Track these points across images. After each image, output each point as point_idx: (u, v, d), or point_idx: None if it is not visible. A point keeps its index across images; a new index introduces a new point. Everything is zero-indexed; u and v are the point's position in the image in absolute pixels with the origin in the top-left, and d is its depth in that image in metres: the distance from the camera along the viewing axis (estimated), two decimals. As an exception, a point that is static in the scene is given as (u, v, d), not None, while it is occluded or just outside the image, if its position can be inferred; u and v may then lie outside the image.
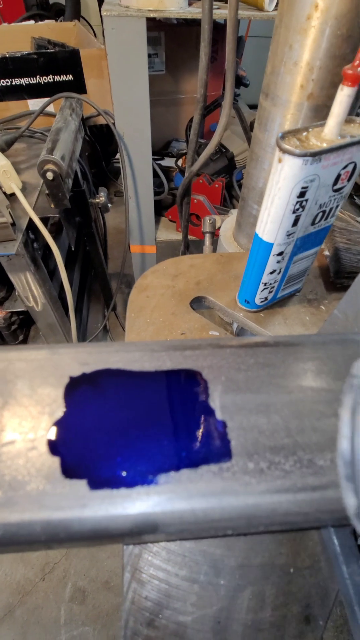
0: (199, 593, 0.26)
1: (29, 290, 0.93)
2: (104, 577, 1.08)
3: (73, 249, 1.10)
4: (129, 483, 0.16)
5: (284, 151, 0.30)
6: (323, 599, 0.28)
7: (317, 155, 0.29)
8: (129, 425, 0.18)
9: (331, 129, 0.31)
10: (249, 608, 0.26)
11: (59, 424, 0.18)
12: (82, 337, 1.34)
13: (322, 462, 0.17)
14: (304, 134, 0.32)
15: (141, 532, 0.16)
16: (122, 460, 0.17)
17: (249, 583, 0.27)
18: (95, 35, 1.64)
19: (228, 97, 0.51)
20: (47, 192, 0.79)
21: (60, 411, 0.18)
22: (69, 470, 0.16)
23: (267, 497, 0.16)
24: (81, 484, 0.16)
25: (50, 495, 0.16)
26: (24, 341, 1.11)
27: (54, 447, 0.17)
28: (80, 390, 0.19)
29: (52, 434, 0.17)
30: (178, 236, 1.43)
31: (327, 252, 0.49)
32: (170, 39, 1.38)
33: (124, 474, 0.16)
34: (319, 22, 0.39)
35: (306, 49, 0.42)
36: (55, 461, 0.17)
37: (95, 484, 0.16)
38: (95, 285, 1.62)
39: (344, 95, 0.29)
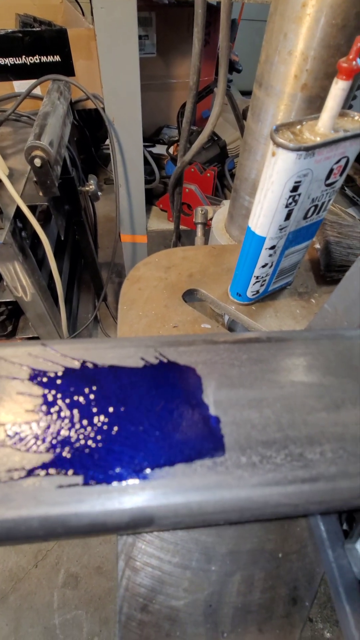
0: (190, 579, 0.27)
1: (18, 280, 0.91)
2: (96, 562, 1.11)
3: (63, 239, 1.08)
4: (125, 478, 0.16)
5: (278, 145, 0.29)
6: (309, 581, 0.29)
7: (311, 149, 0.29)
8: (123, 421, 0.18)
9: (325, 123, 0.30)
10: (239, 592, 0.27)
11: (55, 420, 0.18)
12: (73, 327, 1.33)
13: (311, 455, 0.18)
14: (298, 127, 0.32)
15: (137, 525, 0.16)
16: (117, 455, 0.17)
17: (238, 568, 0.28)
18: (82, 13, 1.58)
19: (221, 85, 0.50)
20: (35, 179, 0.77)
21: (57, 408, 0.18)
22: (65, 466, 0.16)
23: (259, 490, 0.17)
24: (77, 479, 0.16)
25: (47, 491, 0.16)
26: (13, 332, 1.10)
27: (49, 443, 0.17)
28: (75, 386, 0.19)
29: (47, 430, 0.18)
30: (169, 226, 1.42)
31: (317, 245, 0.49)
32: (162, 20, 1.34)
33: (119, 469, 0.17)
34: (314, 11, 0.39)
35: (301, 38, 0.41)
36: (51, 457, 0.17)
37: (91, 479, 0.16)
38: (84, 275, 1.60)
39: (338, 89, 0.29)
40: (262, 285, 0.43)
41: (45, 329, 1.09)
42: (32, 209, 0.81)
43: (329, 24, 0.39)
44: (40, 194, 0.80)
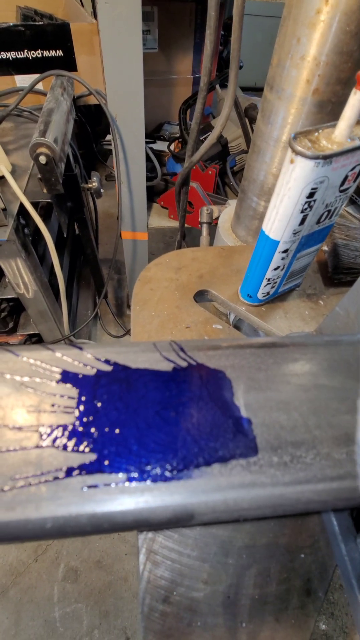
0: (209, 571, 0.28)
1: (20, 277, 0.91)
2: (95, 557, 1.12)
3: (65, 235, 1.07)
4: (166, 477, 0.17)
5: (297, 153, 0.30)
6: (322, 573, 0.30)
7: (328, 158, 0.30)
8: (160, 422, 0.19)
9: (342, 132, 0.31)
10: (255, 584, 0.28)
11: (95, 421, 0.19)
12: (72, 324, 1.33)
13: (338, 455, 0.19)
14: (315, 134, 0.32)
15: (179, 521, 0.17)
16: (157, 455, 0.18)
17: (255, 561, 0.29)
18: (82, 4, 1.55)
19: (232, 88, 0.51)
20: (39, 176, 0.76)
21: (96, 409, 0.19)
22: (109, 466, 0.17)
23: (291, 487, 0.18)
24: (121, 478, 0.17)
25: (93, 489, 0.16)
26: (14, 329, 1.09)
27: (93, 443, 0.18)
28: (110, 388, 0.20)
29: (90, 431, 0.18)
30: (170, 223, 1.42)
31: (325, 248, 0.50)
32: (164, 14, 1.32)
33: (159, 469, 0.17)
34: (328, 17, 0.39)
35: (314, 44, 0.42)
36: (95, 457, 0.17)
37: (134, 479, 0.17)
38: (83, 271, 1.60)
39: (356, 100, 0.29)
40: (272, 287, 0.44)
41: (46, 325, 1.09)
42: (34, 205, 0.81)
43: (342, 30, 0.40)
44: (45, 191, 0.80)
